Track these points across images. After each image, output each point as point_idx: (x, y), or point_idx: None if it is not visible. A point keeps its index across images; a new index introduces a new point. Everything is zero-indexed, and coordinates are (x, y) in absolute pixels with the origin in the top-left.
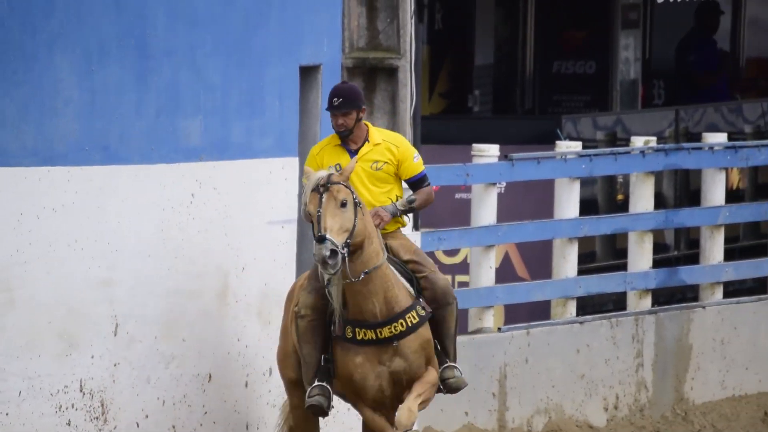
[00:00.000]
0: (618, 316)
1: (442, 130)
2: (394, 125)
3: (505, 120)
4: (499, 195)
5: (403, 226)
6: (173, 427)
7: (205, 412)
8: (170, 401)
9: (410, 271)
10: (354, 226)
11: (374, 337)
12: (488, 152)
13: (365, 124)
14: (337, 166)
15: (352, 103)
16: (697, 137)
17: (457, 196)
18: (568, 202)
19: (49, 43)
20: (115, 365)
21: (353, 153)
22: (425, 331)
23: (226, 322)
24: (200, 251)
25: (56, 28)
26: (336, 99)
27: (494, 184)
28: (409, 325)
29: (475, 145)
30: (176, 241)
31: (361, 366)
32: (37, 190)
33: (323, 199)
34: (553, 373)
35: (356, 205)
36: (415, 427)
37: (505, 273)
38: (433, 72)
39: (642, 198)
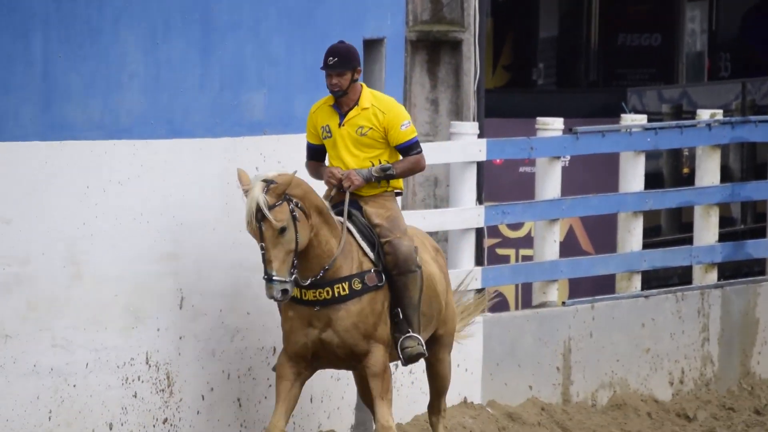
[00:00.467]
0: (683, 290)
1: (506, 103)
2: (458, 98)
3: (570, 93)
4: (564, 169)
5: (399, 191)
6: (238, 399)
7: (270, 385)
8: (235, 374)
9: (376, 235)
10: (296, 242)
11: (298, 296)
12: (552, 125)
13: (361, 85)
14: (327, 127)
15: (347, 63)
16: (764, 110)
17: (522, 169)
18: (633, 175)
19: (115, 17)
20: (180, 338)
21: (343, 116)
22: (358, 307)
23: None
24: None
25: (122, 3)
26: (331, 58)
27: (559, 157)
28: (336, 294)
29: (540, 119)
30: (241, 215)
31: (289, 320)
32: (103, 164)
33: (263, 230)
34: (617, 347)
35: (294, 219)
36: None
37: (569, 247)
38: (496, 45)
39: (708, 171)
